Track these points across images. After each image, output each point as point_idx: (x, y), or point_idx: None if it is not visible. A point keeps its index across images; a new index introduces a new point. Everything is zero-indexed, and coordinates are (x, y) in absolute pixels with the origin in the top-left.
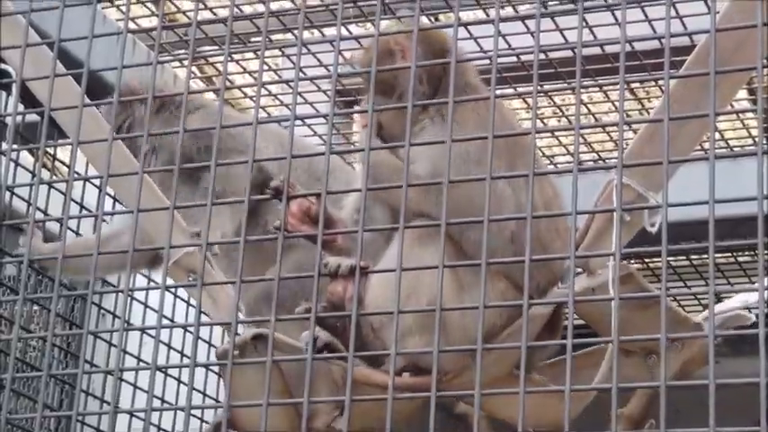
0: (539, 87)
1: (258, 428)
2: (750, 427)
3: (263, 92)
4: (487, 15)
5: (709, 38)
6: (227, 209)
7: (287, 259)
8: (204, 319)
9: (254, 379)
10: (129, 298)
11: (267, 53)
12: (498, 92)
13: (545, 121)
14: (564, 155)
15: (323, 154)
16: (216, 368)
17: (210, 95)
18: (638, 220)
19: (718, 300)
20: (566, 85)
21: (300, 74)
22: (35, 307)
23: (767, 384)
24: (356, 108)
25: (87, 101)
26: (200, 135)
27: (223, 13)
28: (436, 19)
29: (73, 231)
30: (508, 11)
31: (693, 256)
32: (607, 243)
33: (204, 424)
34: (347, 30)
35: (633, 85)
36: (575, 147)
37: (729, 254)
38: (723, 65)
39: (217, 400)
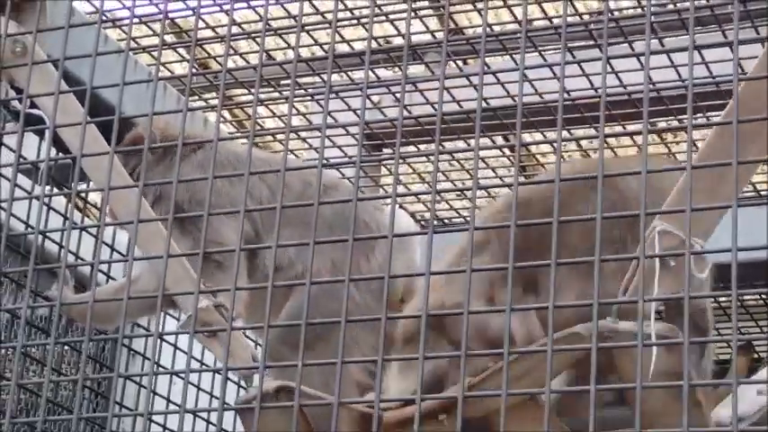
0: (567, 134)
1: None
2: None
3: (294, 136)
4: (515, 61)
5: (746, 85)
6: (229, 262)
7: (291, 296)
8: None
9: (278, 425)
10: (159, 341)
11: (297, 97)
12: (527, 137)
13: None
14: None
15: (350, 200)
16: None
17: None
18: (684, 266)
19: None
20: (593, 131)
21: (328, 119)
22: (65, 347)
23: None
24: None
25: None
26: (189, 185)
27: (253, 58)
28: (465, 63)
29: (104, 273)
30: (535, 56)
31: (722, 299)
32: (652, 290)
33: None
34: (375, 74)
35: (662, 130)
36: (598, 193)
37: (758, 296)
38: (760, 112)
39: None
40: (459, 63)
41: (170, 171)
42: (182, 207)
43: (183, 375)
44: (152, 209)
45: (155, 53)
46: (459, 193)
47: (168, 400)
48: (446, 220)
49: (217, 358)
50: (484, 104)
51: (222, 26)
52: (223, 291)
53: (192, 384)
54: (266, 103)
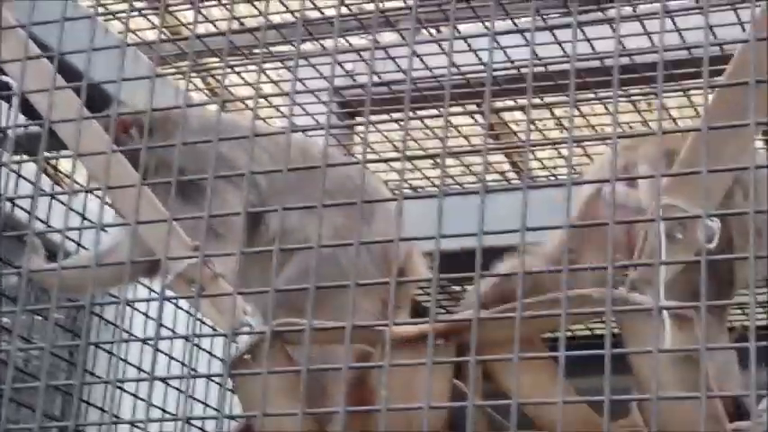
0: (539, 100)
1: (274, 429)
2: None
3: (267, 104)
4: (487, 28)
5: (744, 48)
6: (230, 233)
7: (291, 262)
8: (203, 330)
9: (268, 379)
10: (127, 308)
11: (270, 65)
12: (499, 104)
13: (547, 132)
14: (564, 166)
15: (319, 167)
16: (217, 378)
17: (212, 107)
18: (692, 238)
19: None
20: (564, 97)
21: (300, 86)
22: (38, 317)
23: None
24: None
25: (87, 113)
26: (191, 155)
27: (225, 25)
28: (438, 30)
29: (74, 242)
30: (508, 23)
31: None
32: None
33: None
34: (347, 41)
35: (635, 98)
36: (568, 159)
37: None
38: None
39: (217, 410)
40: (433, 31)
41: (165, 142)
42: (184, 174)
43: (151, 343)
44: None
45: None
46: (433, 161)
47: (140, 369)
48: (419, 189)
49: (205, 316)
50: (456, 71)
51: None
52: (191, 258)
53: (164, 353)
54: (238, 70)
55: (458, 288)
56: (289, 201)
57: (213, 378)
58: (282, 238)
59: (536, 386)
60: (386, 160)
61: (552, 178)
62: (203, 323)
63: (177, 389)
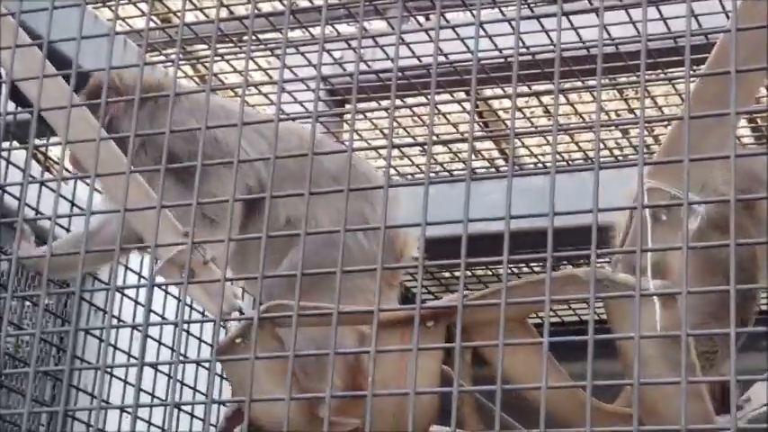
0: (526, 88)
1: (265, 414)
2: None
3: (256, 91)
4: (474, 17)
5: (726, 37)
6: (225, 220)
7: (296, 247)
8: (193, 316)
9: (258, 364)
10: (116, 294)
11: (259, 53)
12: (488, 92)
13: (535, 120)
14: (550, 153)
15: (306, 155)
16: (206, 363)
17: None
18: (676, 220)
19: None
20: (551, 85)
21: (289, 74)
22: (28, 304)
23: None
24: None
25: (77, 100)
26: (186, 135)
27: (214, 13)
28: (427, 19)
29: (64, 228)
30: (495, 12)
31: None
32: (646, 245)
33: (195, 419)
34: (335, 29)
35: (621, 86)
36: (552, 147)
37: None
38: (743, 64)
39: (206, 395)
40: (421, 19)
41: (152, 118)
42: (179, 158)
43: (141, 328)
44: (136, 157)
45: (114, 7)
46: (421, 149)
47: (129, 355)
48: (409, 176)
49: (196, 301)
50: (444, 59)
51: None
52: (179, 244)
53: (153, 339)
54: (227, 58)
55: (447, 274)
56: (290, 186)
57: (202, 363)
58: (287, 224)
59: (529, 366)
60: (374, 148)
61: (540, 165)
62: (193, 309)
63: (167, 374)
